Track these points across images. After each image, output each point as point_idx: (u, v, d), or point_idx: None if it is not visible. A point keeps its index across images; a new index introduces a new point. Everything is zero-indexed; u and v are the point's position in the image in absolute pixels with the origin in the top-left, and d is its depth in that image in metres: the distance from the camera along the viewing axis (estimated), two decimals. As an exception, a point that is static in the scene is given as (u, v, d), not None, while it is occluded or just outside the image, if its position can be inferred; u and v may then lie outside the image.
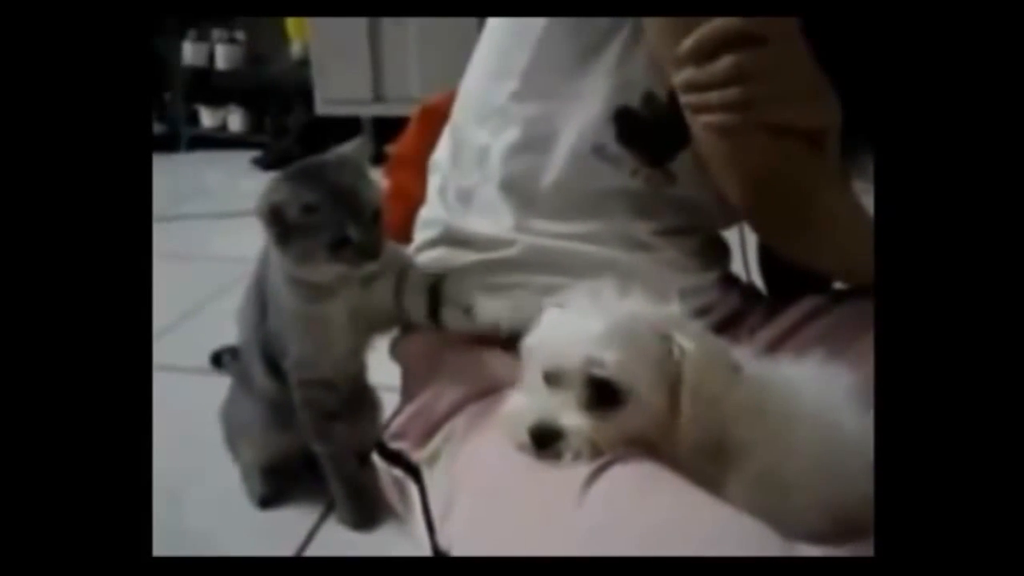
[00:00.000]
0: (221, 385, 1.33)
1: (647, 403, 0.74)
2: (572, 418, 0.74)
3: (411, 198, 1.37)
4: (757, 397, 0.75)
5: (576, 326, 0.76)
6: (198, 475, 1.36)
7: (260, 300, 1.15)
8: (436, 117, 1.68)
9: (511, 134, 0.98)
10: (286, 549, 1.19)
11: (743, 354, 0.81)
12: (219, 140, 3.95)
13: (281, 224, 0.98)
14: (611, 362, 0.72)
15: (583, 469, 0.72)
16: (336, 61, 3.52)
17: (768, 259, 1.14)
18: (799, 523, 0.66)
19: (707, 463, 0.73)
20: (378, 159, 2.85)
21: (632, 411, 0.74)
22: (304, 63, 3.68)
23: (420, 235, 1.08)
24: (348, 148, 1.06)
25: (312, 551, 1.19)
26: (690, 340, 0.74)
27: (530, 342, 0.80)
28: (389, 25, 3.44)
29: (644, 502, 0.69)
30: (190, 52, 3.92)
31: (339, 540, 1.21)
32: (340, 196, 0.98)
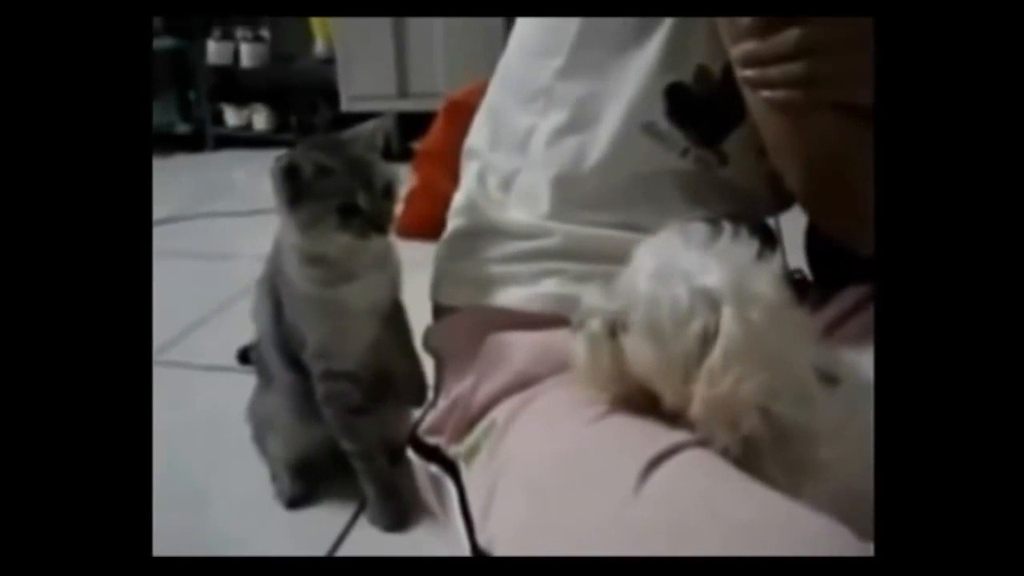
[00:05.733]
0: (248, 382, 1.30)
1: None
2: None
3: (438, 193, 1.34)
4: (848, 412, 0.70)
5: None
6: (227, 474, 1.33)
7: (273, 295, 1.15)
8: (463, 111, 1.66)
9: (557, 117, 0.94)
10: (316, 551, 1.16)
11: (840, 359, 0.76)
12: (245, 139, 3.93)
13: (295, 183, 1.00)
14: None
15: (636, 463, 0.68)
16: (361, 57, 3.50)
17: (816, 245, 1.10)
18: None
19: (780, 472, 0.69)
20: (404, 155, 2.85)
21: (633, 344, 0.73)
22: (329, 60, 3.66)
23: (453, 222, 1.04)
24: (366, 126, 1.09)
25: (343, 553, 1.16)
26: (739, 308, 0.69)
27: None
28: (414, 20, 3.40)
29: (699, 497, 0.65)
30: (215, 51, 3.90)
31: (371, 542, 1.17)
32: (354, 165, 1.02)
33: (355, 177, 1.00)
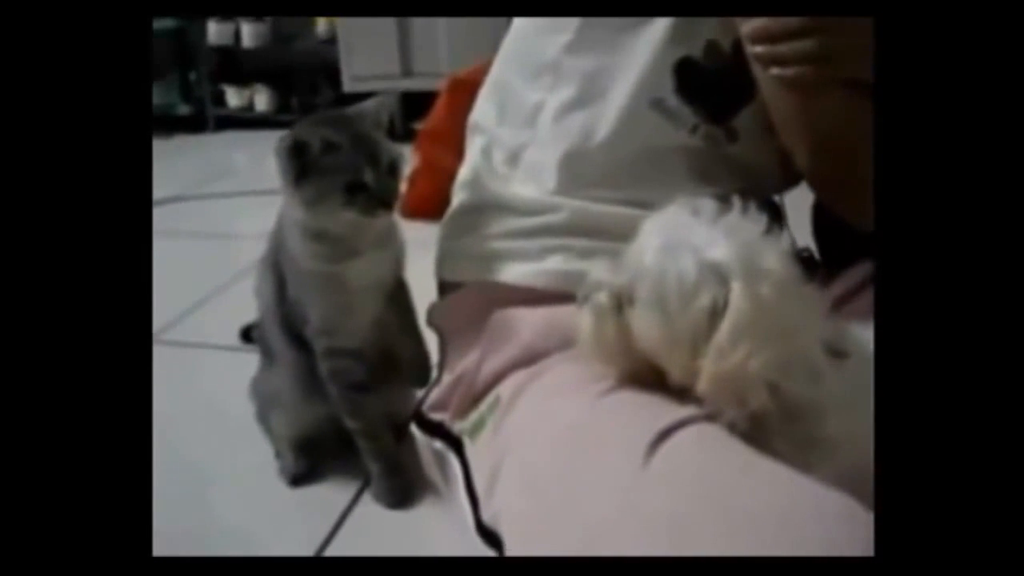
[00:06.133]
0: (252, 360, 1.30)
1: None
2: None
3: (442, 172, 1.33)
4: (856, 387, 0.69)
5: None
6: (230, 452, 1.33)
7: (276, 272, 1.14)
8: (466, 90, 1.65)
9: (566, 92, 0.93)
10: (320, 528, 1.15)
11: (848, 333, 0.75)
12: (246, 120, 3.90)
13: (301, 160, 0.99)
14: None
15: (642, 439, 0.67)
16: (363, 37, 3.47)
17: (823, 222, 1.09)
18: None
19: (788, 448, 0.68)
20: (407, 135, 2.83)
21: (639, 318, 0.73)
22: (330, 41, 3.64)
23: (458, 196, 1.03)
24: (370, 103, 1.08)
25: (347, 530, 1.15)
26: (749, 282, 0.68)
27: None
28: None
29: (709, 473, 0.65)
30: (216, 31, 3.87)
31: (375, 519, 1.17)
32: (360, 141, 1.00)
33: (362, 154, 0.99)
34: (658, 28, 0.88)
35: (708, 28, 0.88)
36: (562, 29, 0.93)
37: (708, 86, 0.90)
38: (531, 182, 0.96)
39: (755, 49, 0.82)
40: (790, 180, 1.00)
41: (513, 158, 0.98)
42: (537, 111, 0.95)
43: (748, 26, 0.81)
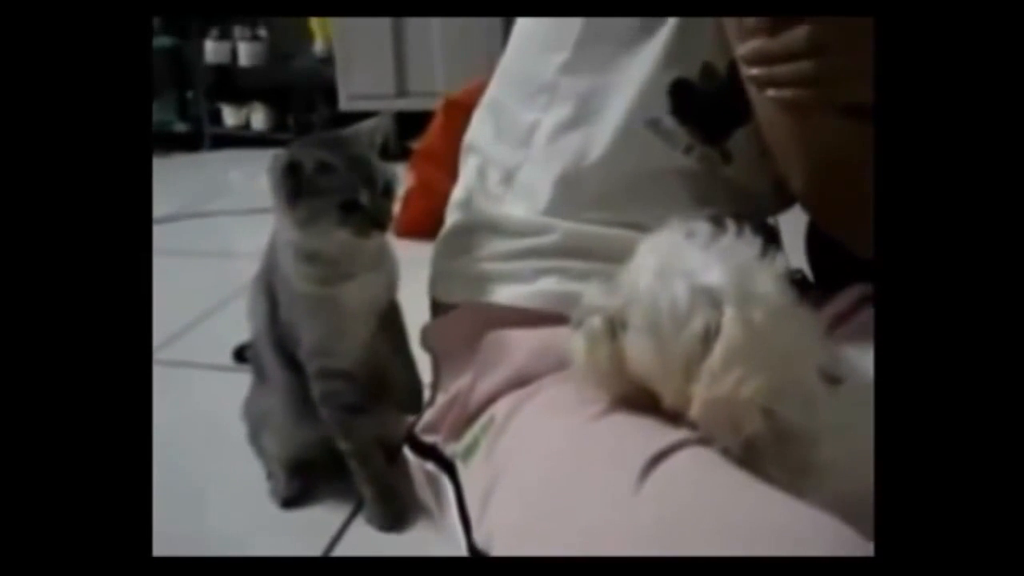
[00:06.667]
0: (244, 381, 1.30)
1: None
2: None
3: (436, 192, 1.33)
4: (851, 412, 0.69)
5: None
6: (223, 473, 1.32)
7: (269, 292, 1.14)
8: (461, 110, 1.66)
9: (561, 112, 0.93)
10: (312, 550, 1.15)
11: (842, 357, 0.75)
12: (242, 138, 3.91)
13: (296, 180, 0.99)
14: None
15: (636, 461, 0.67)
16: (360, 56, 3.48)
17: (817, 245, 1.09)
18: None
19: (781, 473, 0.68)
20: (402, 154, 2.84)
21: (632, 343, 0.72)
22: (327, 59, 3.65)
23: (452, 216, 1.03)
24: (366, 124, 1.09)
25: (339, 553, 1.15)
26: (740, 308, 0.68)
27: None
28: (413, 19, 3.39)
29: (703, 495, 0.64)
30: (212, 50, 3.88)
31: (367, 541, 1.16)
32: (355, 162, 1.01)
33: (357, 174, 1.00)
34: (654, 48, 0.88)
35: (704, 49, 0.88)
36: (559, 48, 0.93)
37: (702, 107, 0.89)
38: (524, 202, 0.95)
39: (751, 71, 0.82)
40: (785, 202, 0.99)
41: (508, 177, 0.98)
42: (532, 131, 0.95)
43: (745, 48, 0.81)
